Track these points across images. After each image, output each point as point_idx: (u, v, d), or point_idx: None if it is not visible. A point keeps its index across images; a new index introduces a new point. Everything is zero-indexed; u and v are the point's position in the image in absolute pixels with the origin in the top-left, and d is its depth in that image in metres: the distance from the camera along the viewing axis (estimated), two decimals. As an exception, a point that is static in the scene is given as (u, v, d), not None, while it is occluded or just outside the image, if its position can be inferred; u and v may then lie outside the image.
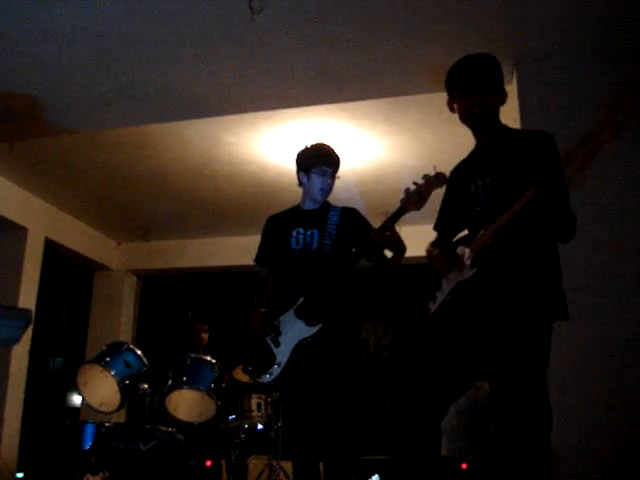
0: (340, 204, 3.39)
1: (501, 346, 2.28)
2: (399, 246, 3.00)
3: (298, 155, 3.37)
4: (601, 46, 3.84)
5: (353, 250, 3.15)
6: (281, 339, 3.12)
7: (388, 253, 3.19)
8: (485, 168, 2.48)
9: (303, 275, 3.13)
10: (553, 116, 3.80)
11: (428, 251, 2.62)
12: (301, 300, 3.09)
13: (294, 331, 3.08)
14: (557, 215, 2.28)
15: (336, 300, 3.11)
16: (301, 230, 3.25)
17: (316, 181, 3.26)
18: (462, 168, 2.66)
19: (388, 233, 2.81)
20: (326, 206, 3.33)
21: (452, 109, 2.58)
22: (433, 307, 2.50)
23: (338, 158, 3.31)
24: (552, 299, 2.32)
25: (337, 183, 3.36)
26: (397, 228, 2.89)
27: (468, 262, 2.37)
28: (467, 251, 2.38)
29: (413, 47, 4.02)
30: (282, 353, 3.10)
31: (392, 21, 3.80)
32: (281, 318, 3.14)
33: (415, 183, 2.75)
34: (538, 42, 3.91)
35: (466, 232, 2.62)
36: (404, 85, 4.46)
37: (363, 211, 3.37)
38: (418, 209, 2.77)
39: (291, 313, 3.11)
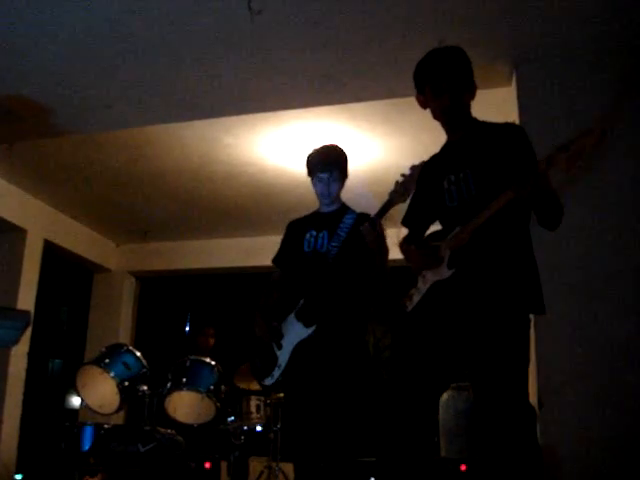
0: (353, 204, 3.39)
1: (479, 343, 2.28)
2: (381, 244, 2.97)
3: (306, 160, 3.37)
4: (601, 46, 3.84)
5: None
6: (283, 341, 3.13)
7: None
8: (458, 164, 2.47)
9: (306, 277, 3.14)
10: (553, 116, 3.80)
11: (402, 248, 2.61)
12: (302, 302, 3.10)
13: (293, 333, 3.10)
14: (539, 209, 2.28)
15: (335, 302, 3.11)
16: (313, 232, 3.25)
17: (317, 187, 3.30)
18: (434, 163, 2.65)
19: (375, 230, 2.82)
20: (343, 209, 3.33)
21: (422, 105, 2.58)
22: (410, 305, 2.49)
23: (338, 161, 3.30)
24: (527, 293, 2.31)
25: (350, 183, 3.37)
26: (398, 231, 2.89)
27: (445, 260, 2.36)
28: (446, 250, 2.37)
29: (412, 48, 3.98)
30: (283, 355, 3.12)
31: (392, 22, 3.80)
32: (284, 321, 3.16)
33: (403, 175, 2.76)
34: (538, 42, 3.91)
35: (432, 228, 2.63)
36: (403, 86, 4.42)
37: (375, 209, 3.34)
38: (404, 201, 2.78)
39: (292, 315, 3.13)
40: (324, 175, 3.25)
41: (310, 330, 3.03)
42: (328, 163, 3.26)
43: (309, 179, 3.38)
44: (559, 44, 3.89)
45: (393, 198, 2.82)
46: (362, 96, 4.69)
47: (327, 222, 3.26)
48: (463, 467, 4.42)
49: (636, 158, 3.69)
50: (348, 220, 3.23)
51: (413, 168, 2.74)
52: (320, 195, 3.30)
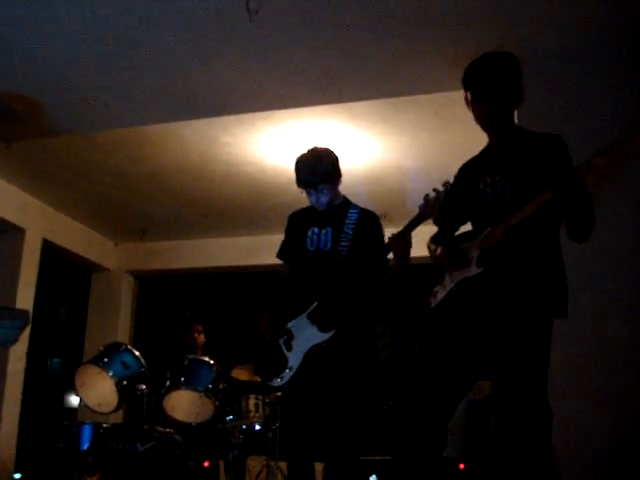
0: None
1: (501, 344, 2.30)
2: (406, 256, 2.91)
3: (294, 168, 3.28)
4: (601, 46, 3.84)
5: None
6: (294, 343, 3.06)
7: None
8: (495, 167, 2.48)
9: (317, 278, 3.06)
10: (552, 116, 3.80)
11: (430, 248, 2.62)
12: (315, 304, 3.03)
13: (307, 336, 3.02)
14: (574, 217, 2.31)
15: (351, 305, 3.05)
16: (316, 230, 3.19)
17: (308, 199, 3.24)
18: (472, 165, 2.66)
19: (404, 242, 2.80)
20: (345, 204, 3.28)
21: (467, 105, 2.57)
22: (434, 302, 2.50)
23: (323, 174, 3.15)
24: (552, 297, 2.33)
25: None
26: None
27: (475, 259, 2.38)
28: (475, 250, 2.39)
29: (411, 48, 4.02)
30: (294, 357, 3.05)
31: (390, 22, 3.80)
32: (294, 321, 3.09)
33: (435, 190, 2.73)
34: (538, 42, 3.91)
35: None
36: (402, 86, 4.46)
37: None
38: None
39: (304, 317, 3.05)
40: (311, 190, 3.18)
41: (327, 335, 2.98)
42: (312, 182, 3.15)
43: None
44: (558, 44, 3.89)
45: (424, 212, 2.77)
46: (361, 95, 4.69)
47: (330, 218, 3.19)
48: (461, 466, 4.42)
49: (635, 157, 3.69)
50: (353, 215, 3.18)
51: (446, 184, 2.71)
52: (314, 204, 3.24)
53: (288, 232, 3.37)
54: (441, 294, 2.48)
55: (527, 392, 2.24)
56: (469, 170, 2.65)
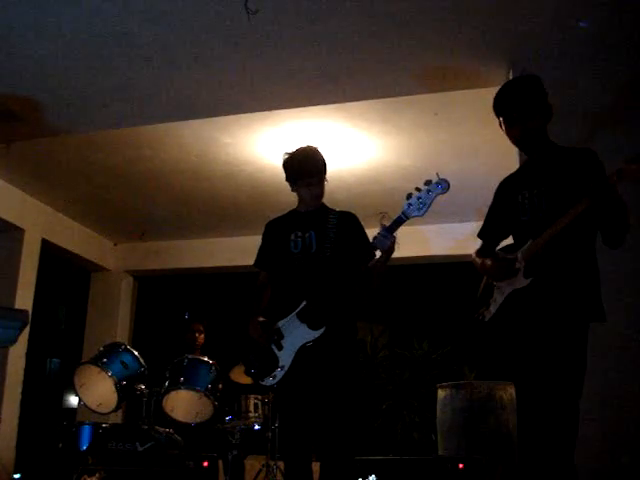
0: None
1: (542, 349, 2.42)
2: (390, 251, 2.99)
3: (284, 166, 3.41)
4: (601, 46, 3.84)
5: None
6: (284, 342, 3.10)
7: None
8: (533, 181, 2.63)
9: (304, 278, 3.11)
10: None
11: (477, 261, 2.79)
12: (304, 304, 3.07)
13: (297, 334, 3.07)
14: (609, 223, 2.44)
15: (338, 303, 3.10)
16: (299, 233, 3.24)
17: (305, 192, 3.30)
18: (511, 180, 2.81)
19: (389, 240, 2.88)
20: (323, 208, 3.35)
21: (503, 130, 2.72)
22: (488, 315, 2.66)
23: (322, 163, 3.30)
24: (590, 302, 2.46)
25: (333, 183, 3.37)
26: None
27: (522, 270, 2.52)
28: (521, 261, 2.53)
29: (410, 48, 4.02)
30: (285, 356, 3.08)
31: (389, 22, 3.80)
32: (283, 321, 3.12)
33: (417, 189, 2.77)
34: (536, 42, 3.91)
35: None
36: (401, 86, 4.46)
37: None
38: (420, 215, 2.81)
39: (293, 317, 3.09)
40: (313, 179, 3.26)
41: (318, 332, 3.03)
42: (314, 168, 3.28)
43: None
44: (556, 44, 3.89)
45: (406, 212, 2.83)
46: (359, 95, 4.70)
47: (311, 222, 3.26)
48: (461, 466, 4.42)
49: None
50: (333, 219, 3.25)
51: (428, 183, 2.77)
52: (311, 199, 3.30)
53: (266, 239, 3.41)
54: (494, 307, 2.64)
55: (563, 394, 2.38)
56: (508, 185, 2.80)
